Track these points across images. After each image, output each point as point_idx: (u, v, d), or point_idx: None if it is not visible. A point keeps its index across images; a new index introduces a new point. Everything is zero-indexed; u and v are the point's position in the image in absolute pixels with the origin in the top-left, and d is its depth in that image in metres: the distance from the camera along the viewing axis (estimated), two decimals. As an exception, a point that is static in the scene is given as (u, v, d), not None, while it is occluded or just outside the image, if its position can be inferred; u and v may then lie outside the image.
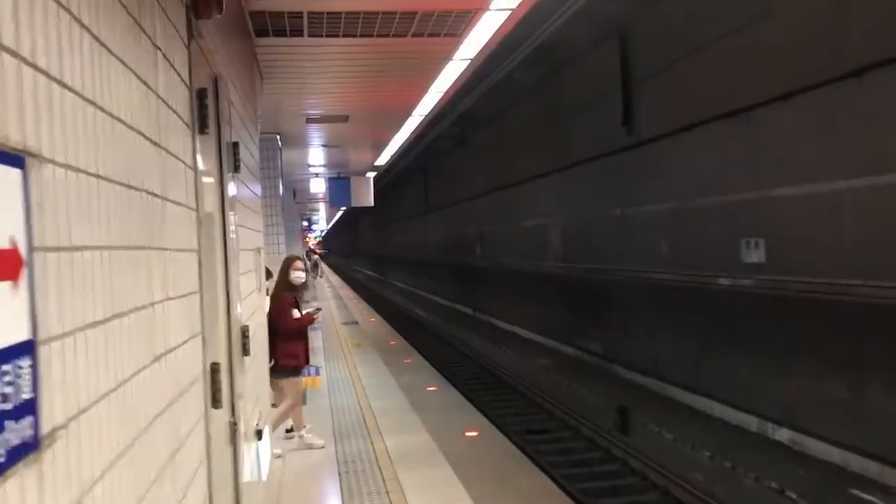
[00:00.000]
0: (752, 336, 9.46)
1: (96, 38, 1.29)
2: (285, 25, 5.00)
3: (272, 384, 6.91)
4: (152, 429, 1.60)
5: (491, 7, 4.83)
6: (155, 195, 1.72)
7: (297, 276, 6.98)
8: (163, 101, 1.86)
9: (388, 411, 8.41)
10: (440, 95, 7.51)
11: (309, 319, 6.98)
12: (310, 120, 8.32)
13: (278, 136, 9.03)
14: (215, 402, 2.36)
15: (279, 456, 6.70)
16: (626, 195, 12.81)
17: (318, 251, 66.76)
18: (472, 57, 6.03)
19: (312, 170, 13.41)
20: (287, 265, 7.09)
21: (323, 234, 62.60)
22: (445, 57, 5.96)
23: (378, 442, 7.10)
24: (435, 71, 6.41)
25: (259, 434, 3.96)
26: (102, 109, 1.30)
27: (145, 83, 1.67)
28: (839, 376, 8.01)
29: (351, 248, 69.23)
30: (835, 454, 8.03)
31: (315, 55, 5.78)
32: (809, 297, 8.33)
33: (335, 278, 46.80)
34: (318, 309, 7.40)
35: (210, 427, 2.31)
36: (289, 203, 15.00)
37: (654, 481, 8.58)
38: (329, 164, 12.97)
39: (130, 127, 1.51)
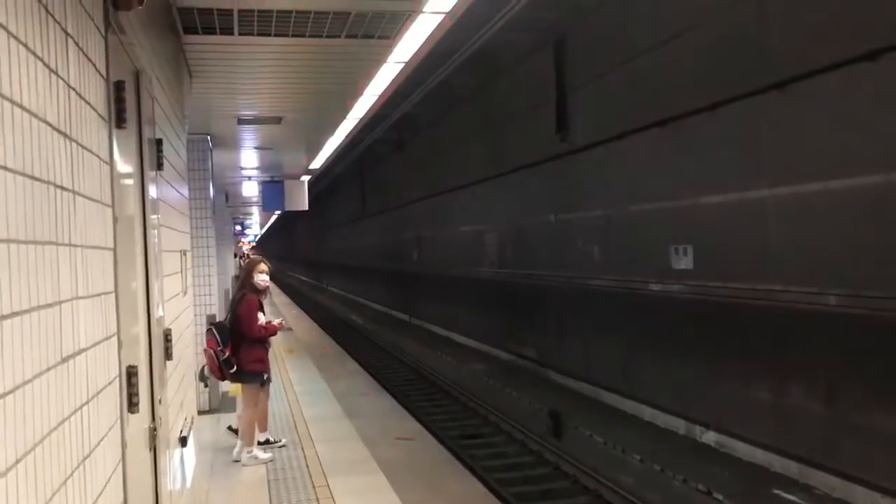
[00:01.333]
0: (681, 341, 9.66)
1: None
2: (215, 23, 4.89)
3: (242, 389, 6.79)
4: (58, 433, 1.52)
5: (425, 10, 4.82)
6: (63, 188, 1.64)
7: (262, 278, 6.84)
8: (74, 91, 1.78)
9: (321, 418, 8.30)
10: (375, 98, 7.46)
11: (274, 329, 6.81)
12: (242, 121, 8.17)
13: (209, 137, 8.84)
14: (132, 406, 2.27)
15: (272, 460, 6.64)
16: (561, 202, 12.97)
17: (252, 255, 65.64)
18: (406, 60, 6.00)
19: (245, 172, 13.18)
20: (250, 268, 6.91)
21: (257, 238, 61.62)
22: (379, 59, 5.92)
23: (309, 449, 7.00)
24: (369, 74, 6.36)
25: (184, 441, 3.85)
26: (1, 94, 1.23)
27: (53, 71, 1.59)
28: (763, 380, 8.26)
29: (286, 253, 68.34)
30: (759, 455, 8.27)
31: (246, 54, 5.67)
32: (735, 303, 8.56)
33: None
34: (282, 322, 7.20)
35: (126, 432, 2.22)
36: (220, 206, 14.71)
37: (586, 485, 8.66)
38: (262, 167, 12.77)
39: (34, 115, 1.43)
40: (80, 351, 1.73)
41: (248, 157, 11.60)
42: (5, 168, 1.25)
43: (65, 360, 1.59)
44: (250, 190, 14.22)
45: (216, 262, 9.32)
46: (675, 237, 9.70)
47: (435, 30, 5.29)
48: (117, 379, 2.16)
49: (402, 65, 6.12)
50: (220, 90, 6.86)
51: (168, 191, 3.85)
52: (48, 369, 1.46)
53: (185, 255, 4.53)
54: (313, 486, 5.95)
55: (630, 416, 10.53)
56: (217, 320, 7.47)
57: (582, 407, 11.19)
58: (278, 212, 26.91)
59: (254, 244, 67.13)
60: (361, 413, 8.83)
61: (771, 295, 8.01)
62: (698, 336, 9.32)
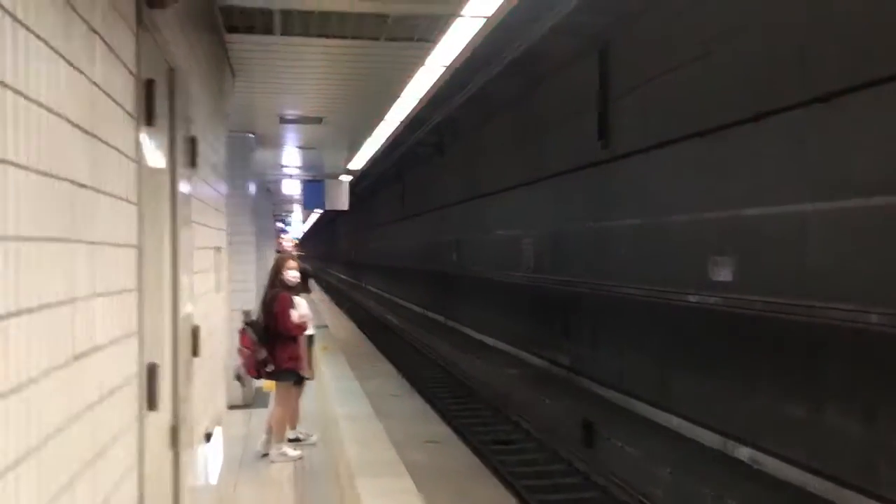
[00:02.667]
0: (717, 354, 9.49)
1: (8, 13, 1.21)
2: (256, 23, 4.93)
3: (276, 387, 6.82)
4: (67, 431, 1.52)
5: (464, 13, 4.79)
6: (83, 185, 1.64)
7: (292, 274, 6.88)
8: (99, 88, 1.78)
9: (351, 417, 8.32)
10: (416, 101, 7.45)
11: (305, 325, 6.84)
12: (283, 120, 8.24)
13: (251, 135, 8.93)
14: (152, 404, 2.28)
15: (301, 457, 6.64)
16: (599, 209, 12.84)
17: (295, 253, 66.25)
18: (446, 64, 5.98)
19: (287, 171, 13.30)
20: (279, 265, 6.95)
21: (298, 236, 62.22)
22: (418, 62, 5.91)
23: (338, 448, 7.01)
24: (409, 76, 6.36)
25: (209, 437, 3.87)
26: (13, 89, 1.23)
27: (75, 67, 1.60)
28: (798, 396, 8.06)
29: (327, 251, 68.88)
30: (793, 474, 8.07)
31: (287, 54, 5.71)
32: (773, 317, 8.37)
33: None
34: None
35: (145, 430, 2.23)
36: (261, 203, 14.86)
37: (616, 496, 8.55)
38: (304, 166, 12.87)
39: (50, 110, 1.43)
40: (96, 348, 1.73)
41: (290, 156, 11.70)
42: (16, 164, 1.25)
43: (77, 357, 1.59)
44: (292, 188, 14.34)
45: (256, 259, 9.39)
46: (714, 248, 9.53)
47: (475, 34, 5.26)
48: (137, 376, 2.17)
49: (443, 69, 6.10)
50: (263, 89, 6.92)
51: (203, 188, 3.88)
52: (58, 367, 1.46)
53: (219, 251, 4.55)
54: (340, 487, 5.95)
55: (663, 428, 10.37)
56: (252, 318, 7.52)
57: (614, 417, 11.05)
58: (319, 211, 27.13)
59: (296, 242, 67.84)
60: (391, 414, 8.83)
61: (810, 311, 7.82)
62: (735, 349, 9.14)
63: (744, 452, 8.92)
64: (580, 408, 11.56)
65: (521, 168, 16.48)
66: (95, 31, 1.75)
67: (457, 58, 5.86)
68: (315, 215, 36.92)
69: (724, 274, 9.39)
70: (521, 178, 16.35)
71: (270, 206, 17.59)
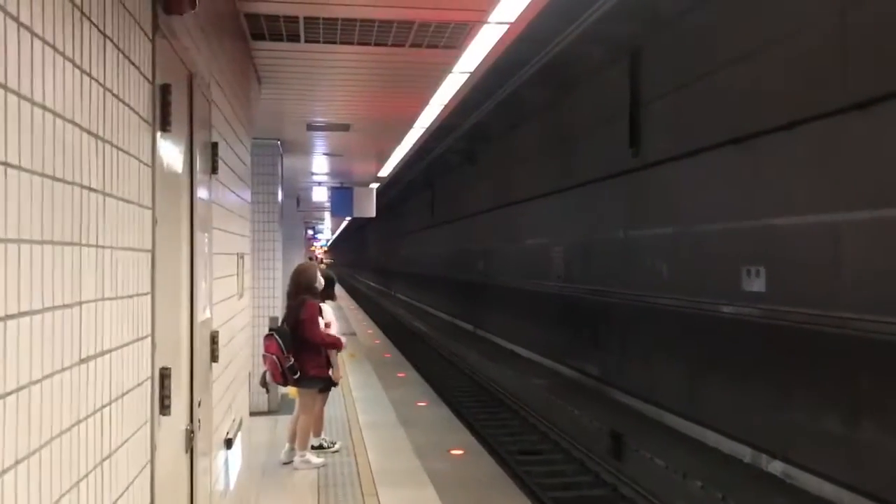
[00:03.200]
0: (748, 365, 9.33)
1: (13, 18, 1.22)
2: (282, 30, 4.95)
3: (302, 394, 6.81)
4: (71, 434, 1.52)
5: (490, 20, 4.78)
6: (92, 189, 1.64)
7: (319, 282, 6.89)
8: (111, 93, 1.79)
9: (375, 425, 8.30)
10: (442, 108, 7.44)
11: (335, 341, 6.82)
12: (311, 127, 8.27)
13: (279, 143, 8.98)
14: (164, 408, 2.28)
15: (324, 465, 6.66)
16: (630, 217, 12.73)
17: (325, 260, 66.66)
18: (472, 70, 5.96)
19: (315, 178, 13.37)
20: (303, 271, 6.95)
21: (328, 243, 62.57)
22: (445, 69, 5.90)
23: (361, 456, 6.99)
24: (435, 83, 6.35)
25: (229, 443, 3.87)
26: (16, 93, 1.23)
27: (86, 72, 1.60)
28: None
29: (356, 259, 69.19)
30: (827, 489, 7.90)
31: (313, 62, 5.73)
32: (806, 329, 8.21)
33: (337, 289, 46.68)
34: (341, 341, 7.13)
35: (157, 434, 2.23)
36: (290, 210, 14.95)
37: (643, 509, 8.43)
38: (332, 173, 12.93)
39: (58, 115, 1.43)
40: (104, 352, 1.73)
41: (319, 163, 11.75)
42: (20, 167, 1.24)
43: (84, 360, 1.59)
44: (320, 195, 14.41)
45: (283, 266, 9.43)
46: (747, 258, 9.39)
47: (501, 40, 5.24)
48: (149, 381, 2.17)
49: (468, 75, 6.09)
50: (289, 96, 6.95)
51: (225, 194, 3.89)
52: (62, 370, 1.46)
53: (242, 257, 4.57)
54: (362, 495, 5.93)
55: (693, 441, 10.22)
56: (277, 325, 7.54)
57: (644, 428, 10.91)
58: (348, 218, 27.25)
59: (326, 249, 68.27)
60: (416, 422, 8.80)
61: (843, 322, 7.66)
62: (767, 361, 8.99)
63: (777, 466, 8.76)
64: (608, 418, 11.44)
65: (551, 176, 16.41)
66: (108, 37, 1.76)
67: (481, 64, 5.84)
68: (345, 223, 37.09)
69: (756, 284, 9.25)
70: (551, 186, 16.29)
71: (299, 213, 17.70)
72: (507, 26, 4.86)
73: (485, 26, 4.87)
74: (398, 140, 9.31)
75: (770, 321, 8.89)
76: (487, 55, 5.59)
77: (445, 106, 7.36)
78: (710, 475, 8.67)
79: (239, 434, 4.29)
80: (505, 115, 17.12)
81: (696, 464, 9.15)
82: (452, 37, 5.06)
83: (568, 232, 15.64)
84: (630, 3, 10.11)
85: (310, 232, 30.77)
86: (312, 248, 44.77)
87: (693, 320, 10.57)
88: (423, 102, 7.08)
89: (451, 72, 5.99)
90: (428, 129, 8.65)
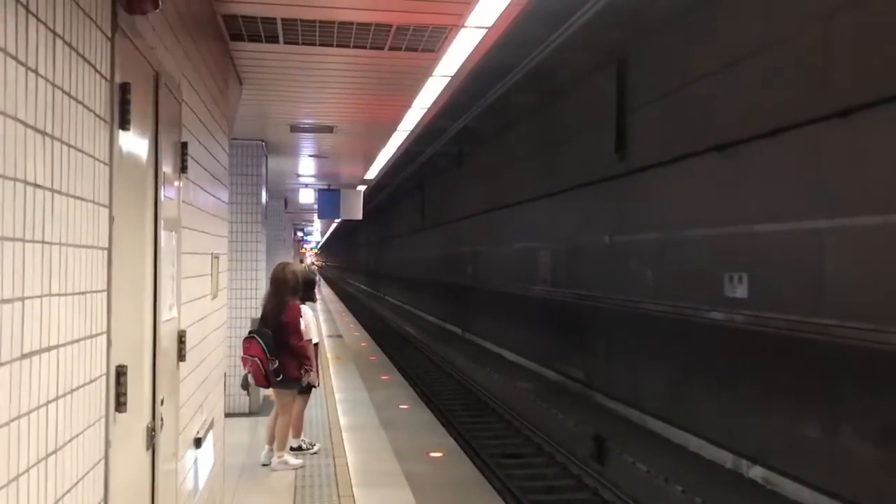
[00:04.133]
0: (731, 371, 9.37)
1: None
2: (260, 31, 4.97)
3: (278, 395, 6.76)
4: (11, 428, 1.52)
5: (467, 24, 4.80)
6: (38, 186, 1.65)
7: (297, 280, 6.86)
8: (61, 90, 1.80)
9: (356, 427, 8.31)
10: (425, 111, 7.46)
11: (309, 362, 6.66)
12: (294, 129, 8.28)
13: (263, 143, 8.98)
14: (120, 405, 2.29)
15: (302, 466, 6.64)
16: (616, 223, 12.77)
17: (316, 263, 66.53)
18: (452, 74, 5.99)
19: (302, 180, 13.37)
20: (283, 272, 6.90)
21: (318, 246, 62.46)
22: (425, 72, 5.92)
23: (340, 458, 6.99)
24: (416, 86, 6.37)
25: (198, 442, 3.88)
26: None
27: (32, 69, 1.61)
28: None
29: (346, 261, 69.08)
30: (806, 495, 7.94)
31: (294, 63, 5.75)
32: (788, 335, 8.26)
33: (326, 291, 46.68)
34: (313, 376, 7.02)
35: (112, 431, 2.23)
36: (276, 212, 14.95)
37: (623, 513, 8.46)
38: (319, 175, 12.93)
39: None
40: (49, 348, 1.74)
41: (305, 165, 11.75)
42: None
43: (25, 356, 1.59)
44: (307, 197, 14.41)
45: (266, 267, 9.41)
46: (729, 264, 9.44)
47: (480, 44, 5.26)
48: (103, 377, 2.17)
49: (448, 79, 6.11)
50: (271, 97, 6.96)
51: (197, 194, 3.90)
52: (0, 364, 1.47)
53: (217, 258, 4.57)
54: (338, 496, 5.93)
55: (676, 446, 10.26)
56: (258, 327, 7.51)
57: (627, 433, 10.94)
58: (337, 220, 27.24)
59: (316, 251, 68.17)
60: (397, 425, 8.81)
61: (826, 329, 7.71)
62: (749, 367, 9.03)
63: (757, 472, 8.79)
64: (592, 423, 11.47)
65: (538, 180, 16.45)
66: (57, 35, 1.77)
67: (463, 67, 5.86)
68: (335, 225, 37.06)
69: (739, 290, 9.30)
70: (538, 190, 16.33)
71: (286, 215, 17.69)
72: (484, 30, 4.88)
73: (462, 30, 4.90)
74: (383, 142, 9.33)
75: (752, 327, 8.93)
76: (468, 59, 5.62)
77: (429, 109, 7.38)
78: (692, 480, 8.70)
79: (210, 434, 4.29)
80: (493, 119, 17.16)
81: (678, 469, 9.18)
82: (431, 40, 5.09)
83: (554, 236, 15.67)
84: (616, 9, 10.15)
85: (299, 234, 30.72)
86: (303, 251, 44.70)
87: (676, 326, 10.61)
88: (406, 105, 7.10)
89: (431, 75, 6.01)
90: (414, 132, 8.67)
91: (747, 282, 9.15)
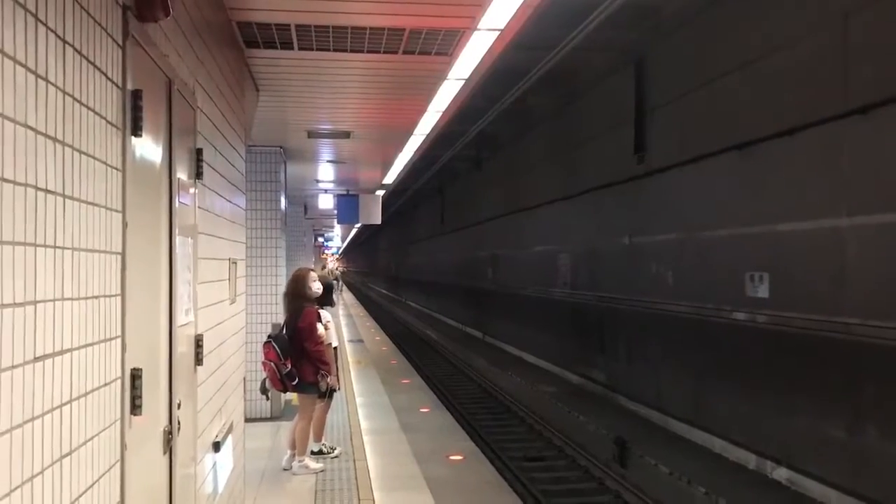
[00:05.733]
0: (753, 372, 9.29)
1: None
2: (275, 38, 5.01)
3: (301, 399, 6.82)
4: (24, 430, 1.55)
5: (479, 27, 4.81)
6: (49, 192, 1.68)
7: (316, 286, 6.91)
8: (71, 97, 1.82)
9: (377, 431, 8.33)
10: (440, 115, 7.48)
11: (328, 364, 6.71)
12: (312, 134, 8.33)
13: (281, 150, 9.04)
14: (135, 408, 2.31)
15: (323, 470, 6.67)
16: (636, 224, 12.71)
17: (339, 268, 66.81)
18: (467, 77, 6.00)
19: (321, 185, 13.44)
20: (303, 278, 6.95)
21: (339, 251, 62.71)
22: (439, 76, 5.94)
23: (361, 462, 7.02)
24: (431, 89, 6.39)
25: (217, 446, 3.91)
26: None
27: (42, 77, 1.64)
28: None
29: (367, 266, 69.23)
30: (832, 496, 7.84)
31: (309, 69, 5.79)
32: (810, 335, 8.17)
33: (348, 296, 46.83)
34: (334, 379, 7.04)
35: (127, 434, 2.26)
36: (296, 217, 15.03)
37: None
38: (337, 181, 12.99)
39: (9, 119, 1.47)
40: (62, 351, 1.76)
41: (324, 171, 11.82)
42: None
43: (38, 359, 1.62)
44: (327, 203, 14.48)
45: (286, 273, 9.47)
46: (750, 264, 9.36)
47: (494, 46, 5.27)
48: (118, 381, 2.20)
49: (463, 82, 6.12)
50: (288, 103, 7.01)
51: (213, 199, 3.93)
52: (12, 367, 1.49)
53: (234, 263, 4.61)
54: (359, 500, 5.95)
55: (699, 447, 10.18)
56: (277, 332, 7.57)
57: (649, 435, 10.87)
58: (358, 225, 27.34)
59: (338, 256, 68.46)
60: (418, 429, 8.82)
61: (847, 328, 7.62)
62: (772, 367, 8.94)
63: (781, 473, 8.70)
64: (614, 425, 11.40)
65: (557, 183, 16.41)
66: (67, 43, 1.80)
67: (478, 70, 5.87)
68: (355, 230, 37.19)
69: (760, 290, 9.21)
70: (557, 192, 16.29)
71: (306, 221, 17.78)
72: (497, 33, 4.89)
73: (475, 33, 4.91)
74: (400, 147, 9.36)
75: (773, 327, 8.85)
76: (483, 62, 5.62)
77: (445, 112, 7.39)
78: (715, 482, 8.62)
79: (230, 438, 4.32)
80: (511, 122, 17.14)
81: (700, 470, 9.10)
82: (444, 43, 5.10)
83: (574, 239, 15.62)
84: (633, 10, 10.12)
85: (320, 240, 30.86)
86: (324, 256, 44.89)
87: (697, 327, 10.53)
88: (421, 109, 7.12)
89: (446, 78, 6.03)
90: (430, 135, 8.69)
91: (768, 281, 9.07)
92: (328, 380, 6.68)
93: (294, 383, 6.63)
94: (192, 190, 3.29)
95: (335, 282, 37.59)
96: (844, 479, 7.71)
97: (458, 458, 7.81)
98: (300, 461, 6.71)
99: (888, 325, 7.14)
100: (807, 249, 8.37)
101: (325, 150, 9.68)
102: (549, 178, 17.14)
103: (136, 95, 2.31)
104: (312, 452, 6.97)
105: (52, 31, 1.70)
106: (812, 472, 8.19)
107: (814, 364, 8.21)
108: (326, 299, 7.20)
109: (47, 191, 1.67)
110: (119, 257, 2.21)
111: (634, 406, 12.47)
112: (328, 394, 6.95)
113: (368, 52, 5.24)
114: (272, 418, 8.68)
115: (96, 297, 2.01)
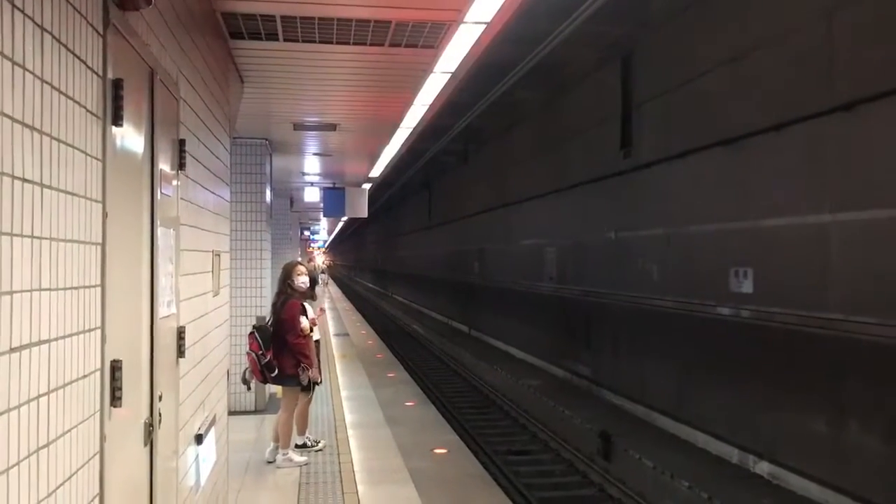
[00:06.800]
0: (737, 367, 9.34)
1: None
2: (260, 29, 4.97)
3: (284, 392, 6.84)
4: (0, 423, 1.53)
5: (466, 20, 4.80)
6: (25, 180, 1.66)
7: (302, 280, 6.90)
8: (49, 85, 1.80)
9: (361, 425, 8.32)
10: (427, 108, 7.46)
11: (308, 361, 6.71)
12: (297, 127, 8.29)
13: (267, 142, 9.00)
14: (115, 399, 2.29)
15: (307, 463, 6.68)
16: (621, 219, 12.74)
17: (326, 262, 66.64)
18: (453, 70, 5.98)
19: (307, 178, 13.39)
20: (289, 271, 6.97)
21: (325, 244, 62.54)
22: (426, 69, 5.92)
23: (345, 455, 7.01)
24: (417, 83, 6.36)
25: (199, 438, 3.89)
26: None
27: (18, 64, 1.62)
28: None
29: (353, 259, 69.09)
30: (813, 490, 7.91)
31: (295, 60, 5.75)
32: (794, 330, 8.23)
33: (334, 289, 46.73)
34: (322, 310, 7.18)
35: (107, 425, 2.24)
36: (282, 210, 14.97)
37: (628, 509, 8.44)
38: (324, 174, 12.94)
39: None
40: (39, 342, 1.75)
41: (310, 164, 11.77)
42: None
43: (14, 349, 1.60)
44: (313, 196, 14.43)
45: (271, 265, 9.44)
46: (735, 260, 9.40)
47: (481, 40, 5.25)
48: (97, 372, 2.18)
49: (449, 75, 6.10)
50: (273, 95, 6.97)
51: (196, 191, 3.91)
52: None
53: (218, 255, 4.59)
54: (342, 493, 5.95)
55: (682, 441, 10.23)
56: (262, 323, 7.55)
57: (634, 429, 10.92)
58: (344, 219, 27.27)
59: (324, 250, 68.24)
60: (402, 422, 8.82)
61: (830, 324, 7.67)
62: (755, 362, 9.00)
63: (763, 467, 8.77)
64: (598, 419, 11.45)
65: (544, 177, 16.43)
66: (45, 30, 1.78)
67: (465, 64, 5.85)
68: (342, 224, 37.09)
69: (745, 286, 9.26)
70: (544, 187, 16.31)
71: (292, 214, 17.71)
72: (483, 26, 4.88)
73: (461, 26, 4.89)
74: (386, 140, 9.33)
75: (757, 322, 8.90)
76: (469, 55, 5.61)
77: (431, 106, 7.37)
78: (698, 476, 8.67)
79: (213, 430, 4.31)
80: (498, 116, 17.14)
81: (684, 464, 9.15)
82: (430, 36, 5.09)
83: (561, 233, 15.65)
84: (620, 4, 10.12)
85: (306, 233, 30.77)
86: (310, 250, 44.76)
87: (682, 321, 10.58)
88: (408, 102, 7.10)
89: (432, 72, 6.01)
90: (417, 129, 8.67)
91: (752, 277, 9.12)
92: (309, 372, 6.67)
93: (273, 375, 6.64)
94: (174, 181, 3.27)
95: (322, 275, 37.52)
96: (825, 473, 7.78)
97: (443, 451, 7.82)
98: (284, 454, 6.70)
99: (871, 321, 7.19)
100: (791, 245, 8.41)
101: (311, 143, 9.64)
102: (536, 172, 17.15)
103: (117, 84, 2.29)
104: (297, 446, 6.96)
105: (29, 18, 1.68)
106: (794, 466, 8.26)
107: (797, 359, 8.27)
108: (309, 293, 7.20)
109: (24, 179, 1.65)
110: (99, 248, 2.19)
111: (619, 400, 12.52)
112: (311, 387, 6.94)
113: (354, 44, 5.22)
114: (256, 411, 8.66)
115: (75, 288, 1.99)
